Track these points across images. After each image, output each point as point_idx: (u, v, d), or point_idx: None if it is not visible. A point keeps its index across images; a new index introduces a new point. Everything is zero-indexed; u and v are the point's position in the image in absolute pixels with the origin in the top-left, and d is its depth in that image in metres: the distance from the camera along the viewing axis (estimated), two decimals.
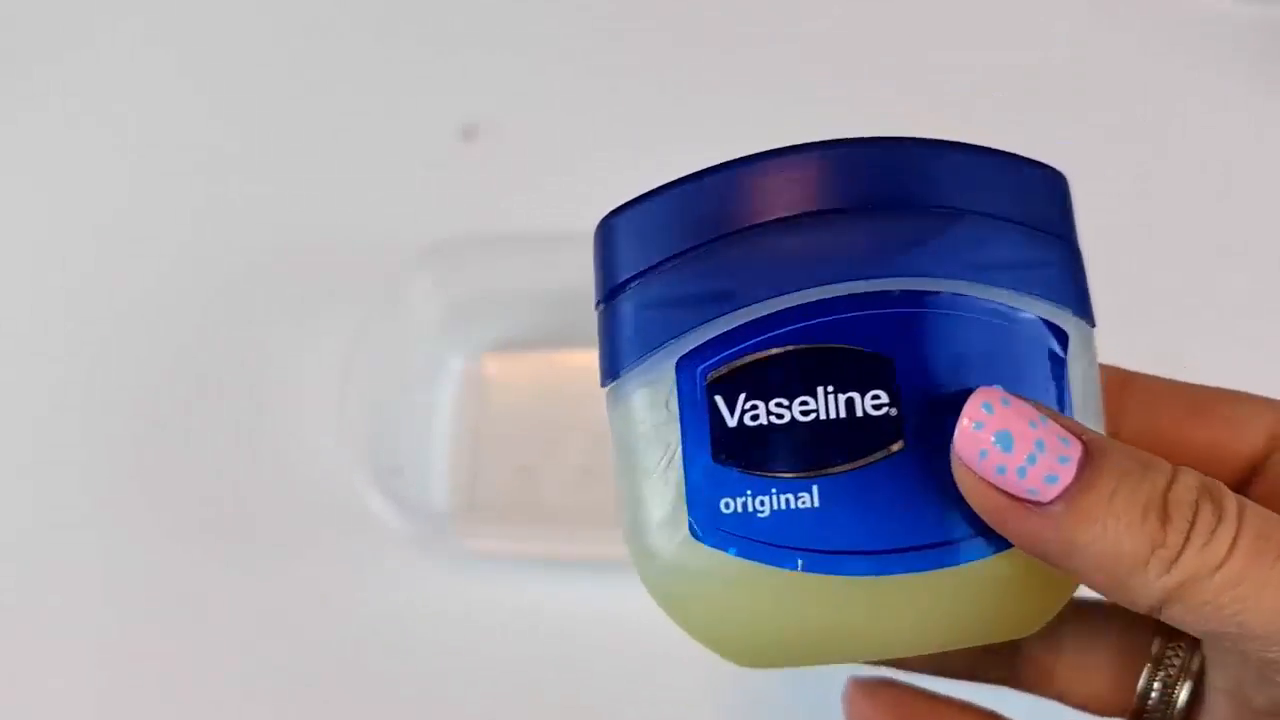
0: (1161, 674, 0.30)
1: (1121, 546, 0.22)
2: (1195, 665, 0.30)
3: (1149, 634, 0.30)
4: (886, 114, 0.54)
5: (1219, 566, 0.22)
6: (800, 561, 0.23)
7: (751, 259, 0.24)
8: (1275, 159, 0.52)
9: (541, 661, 0.44)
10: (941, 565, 0.24)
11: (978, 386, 0.23)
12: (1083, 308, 0.25)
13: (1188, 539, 0.22)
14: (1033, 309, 0.24)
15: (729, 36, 0.56)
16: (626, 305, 0.24)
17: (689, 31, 0.56)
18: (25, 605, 0.46)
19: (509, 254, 0.48)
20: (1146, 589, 0.22)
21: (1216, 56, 0.54)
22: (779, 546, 0.23)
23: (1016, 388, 0.23)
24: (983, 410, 0.22)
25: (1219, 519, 0.22)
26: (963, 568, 0.24)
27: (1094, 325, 0.25)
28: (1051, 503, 0.22)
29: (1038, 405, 0.23)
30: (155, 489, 0.48)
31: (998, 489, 0.22)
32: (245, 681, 0.44)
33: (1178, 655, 0.30)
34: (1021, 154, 0.25)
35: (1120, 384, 0.28)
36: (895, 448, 0.23)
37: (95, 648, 0.45)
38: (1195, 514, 0.22)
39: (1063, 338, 0.24)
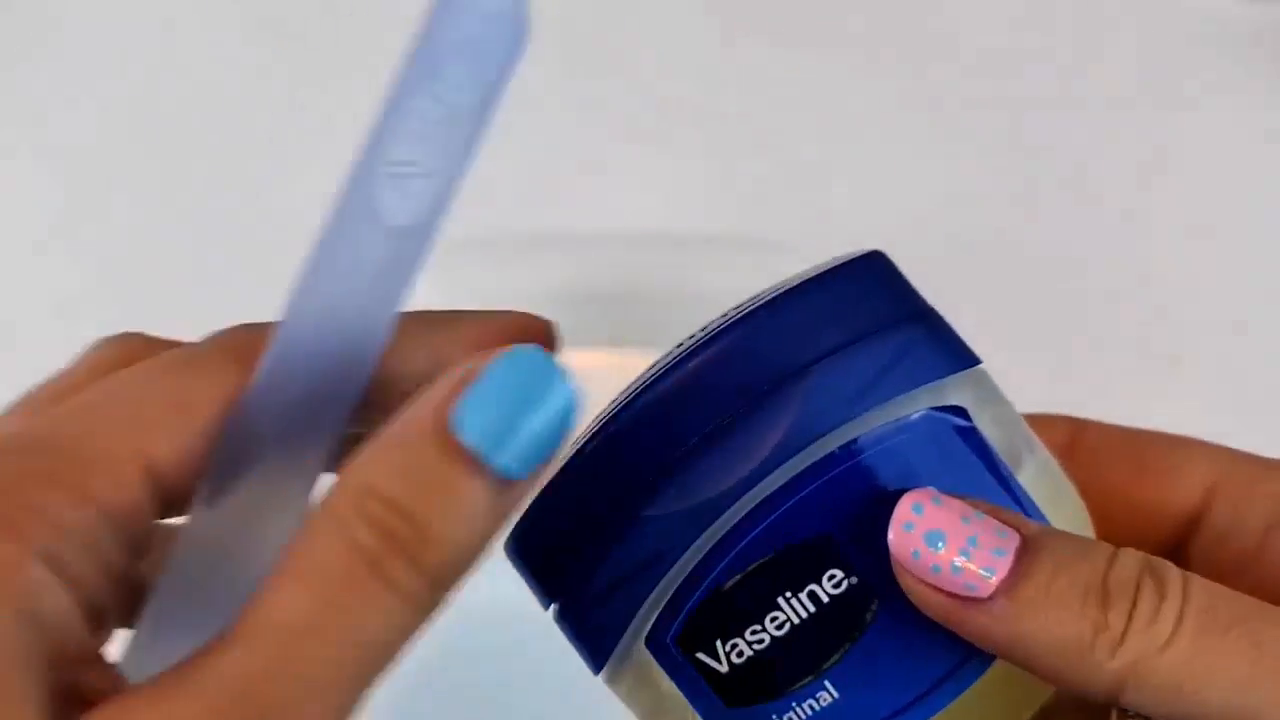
0: None
1: (1065, 633, 0.22)
2: None
3: None
4: (886, 114, 0.54)
5: (1166, 644, 0.21)
6: None
7: (655, 520, 0.24)
8: (1276, 160, 0.52)
9: (540, 659, 0.44)
10: (963, 688, 0.24)
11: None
12: (962, 359, 0.25)
13: (1130, 619, 0.21)
14: (920, 404, 0.24)
15: (730, 37, 0.56)
16: (576, 608, 0.25)
17: (689, 32, 0.56)
18: None
19: (509, 255, 0.48)
20: (1098, 674, 0.22)
21: (1217, 56, 0.54)
22: None
23: (946, 489, 0.23)
24: (912, 512, 0.22)
25: (1162, 596, 0.22)
26: (981, 680, 0.24)
27: (979, 362, 0.25)
28: (991, 597, 0.22)
29: (973, 502, 0.23)
30: None
31: (936, 588, 0.22)
32: None
33: None
34: (834, 262, 0.25)
35: (1070, 439, 0.28)
36: (872, 610, 0.23)
37: None
38: (1137, 593, 0.22)
39: (960, 411, 0.24)
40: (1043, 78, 0.54)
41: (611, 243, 0.48)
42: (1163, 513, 0.27)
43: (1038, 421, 0.26)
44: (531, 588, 0.26)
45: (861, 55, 0.55)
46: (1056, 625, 0.22)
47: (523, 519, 0.25)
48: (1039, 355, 0.48)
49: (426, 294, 0.48)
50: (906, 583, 0.23)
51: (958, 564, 0.22)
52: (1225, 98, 0.54)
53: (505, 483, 0.20)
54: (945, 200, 0.52)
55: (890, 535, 0.22)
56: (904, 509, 0.23)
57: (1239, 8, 0.55)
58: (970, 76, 0.54)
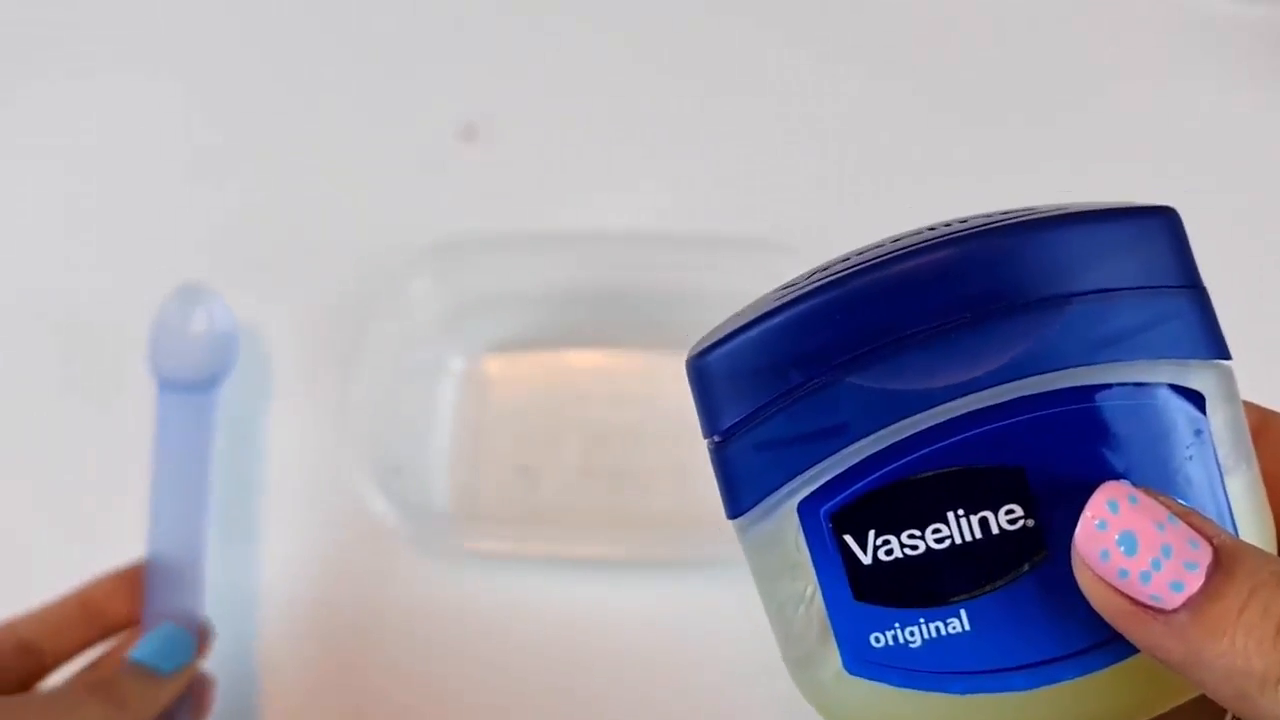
0: None
1: (1250, 664, 0.20)
2: None
3: None
4: (892, 110, 0.54)
5: None
6: (959, 685, 0.23)
7: (857, 390, 0.23)
8: (1275, 160, 0.52)
9: (540, 660, 0.44)
10: (1098, 668, 0.23)
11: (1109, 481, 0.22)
12: (1215, 348, 0.23)
13: None
14: (1161, 376, 0.23)
15: (730, 38, 0.56)
16: (738, 446, 0.24)
17: (689, 33, 0.56)
18: (22, 602, 0.46)
19: (509, 255, 0.48)
20: (1274, 711, 0.20)
21: (1217, 57, 0.54)
22: (935, 673, 0.23)
23: (1154, 471, 0.22)
24: (1107, 509, 0.21)
25: None
26: (1117, 666, 0.23)
27: (1229, 358, 0.24)
28: (1176, 611, 0.21)
29: (1169, 503, 0.22)
30: None
31: (1119, 592, 0.21)
32: (246, 679, 0.45)
33: None
34: (1124, 205, 0.24)
35: (1257, 426, 0.26)
36: (1039, 558, 0.23)
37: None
38: None
39: (1198, 400, 0.23)
40: (1043, 80, 0.54)
41: (611, 243, 0.48)
42: None
43: None
44: (700, 411, 0.24)
45: (863, 56, 0.55)
46: (1241, 655, 0.21)
47: (720, 342, 0.24)
48: None
49: (429, 293, 0.48)
50: (1086, 579, 0.22)
51: (1147, 573, 0.21)
52: (1225, 99, 0.54)
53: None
54: (945, 201, 0.52)
55: (1079, 530, 0.22)
56: (1099, 505, 0.21)
57: (1239, 8, 0.55)
58: (970, 78, 0.54)
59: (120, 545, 0.44)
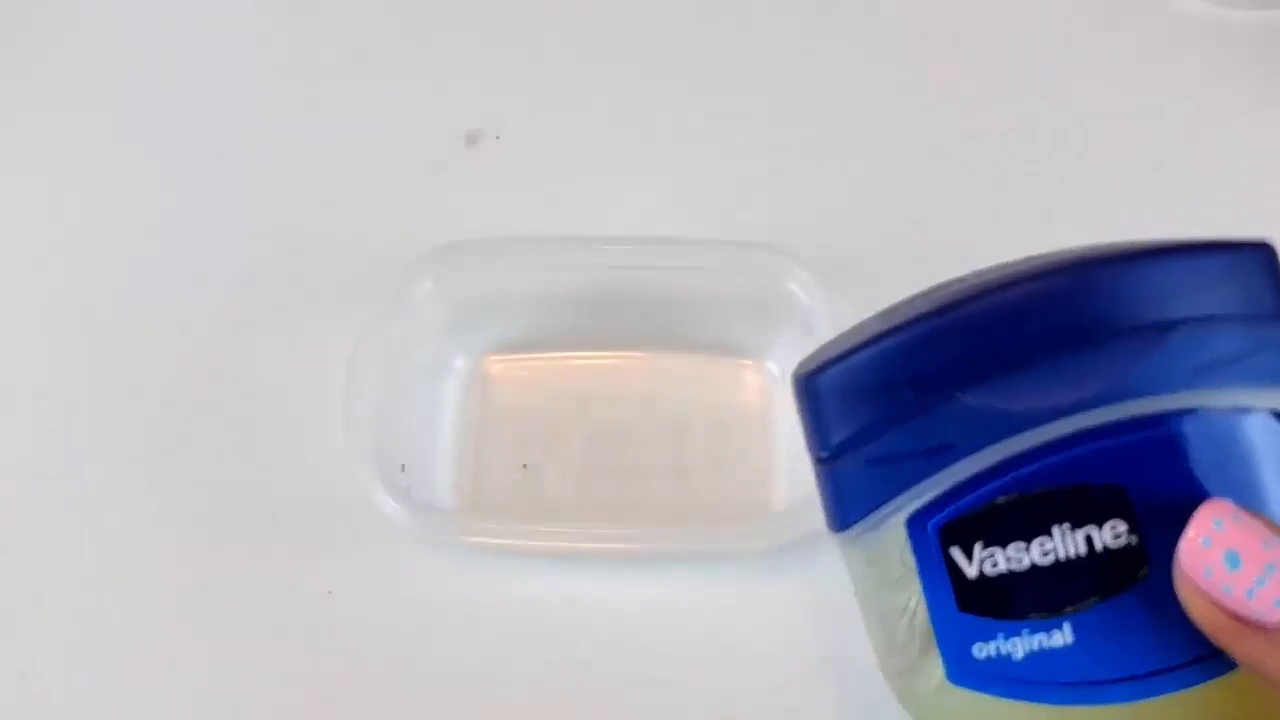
0: None
1: None
2: None
3: None
4: (892, 110, 0.54)
5: None
6: (1060, 696, 0.23)
7: (967, 409, 0.23)
8: (1275, 160, 0.53)
9: (544, 657, 0.45)
10: (1197, 682, 0.23)
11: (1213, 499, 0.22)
12: None
13: None
14: (1262, 401, 0.23)
15: (730, 41, 0.57)
16: (848, 462, 0.24)
17: (690, 35, 0.57)
18: (28, 602, 0.47)
19: (512, 256, 0.48)
20: None
21: (1216, 60, 0.55)
22: (1037, 684, 0.24)
23: (1252, 493, 0.23)
24: (1212, 526, 0.22)
25: None
26: (1217, 681, 0.24)
27: None
28: (1275, 627, 0.21)
29: (1272, 524, 0.22)
30: (162, 487, 0.48)
31: (1222, 607, 0.22)
32: (249, 677, 0.45)
33: None
34: (1223, 239, 0.24)
35: None
36: (1141, 574, 0.23)
37: (99, 644, 0.45)
38: None
39: None
40: (1041, 81, 0.55)
41: (613, 245, 0.48)
42: None
43: None
44: (809, 429, 0.25)
45: (863, 57, 0.56)
46: None
47: (833, 361, 0.24)
48: None
49: (433, 295, 0.48)
50: (1187, 594, 0.22)
51: (1251, 589, 0.21)
52: (1223, 101, 0.54)
53: None
54: (945, 202, 0.52)
55: (1182, 545, 0.22)
56: (1204, 521, 0.22)
57: (1237, 12, 0.55)
58: (969, 79, 0.55)
59: None
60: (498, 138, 0.54)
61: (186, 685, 0.45)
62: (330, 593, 0.46)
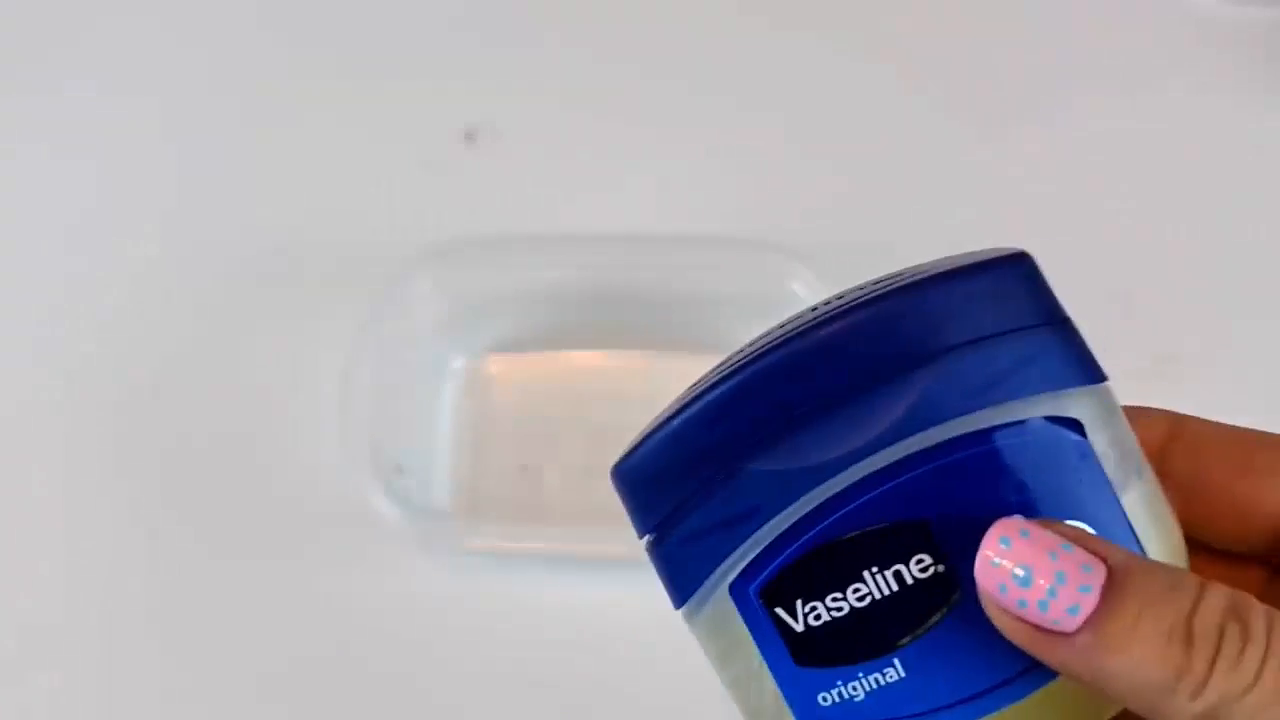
0: None
1: (1148, 674, 0.22)
2: None
3: None
4: (891, 110, 0.54)
5: (1249, 689, 0.21)
6: None
7: (762, 474, 0.24)
8: (1274, 160, 0.53)
9: (542, 658, 0.45)
10: (1031, 690, 0.24)
11: (1003, 517, 0.23)
12: (1088, 373, 0.25)
13: (1213, 663, 0.22)
14: (1038, 410, 0.24)
15: (730, 40, 0.56)
16: (668, 542, 0.25)
17: (689, 35, 0.57)
18: (28, 600, 0.47)
19: (510, 255, 0.48)
20: (1180, 715, 0.22)
21: (1215, 57, 0.55)
22: None
23: (1051, 500, 0.24)
24: (1000, 545, 0.23)
25: (1246, 639, 0.22)
26: (1043, 690, 0.24)
27: (1105, 379, 0.25)
28: (1077, 633, 0.22)
29: (1062, 530, 0.23)
30: (160, 487, 0.48)
31: (1024, 621, 0.22)
32: (248, 678, 0.45)
33: None
34: (977, 258, 0.25)
35: (1169, 431, 0.28)
36: (954, 599, 0.24)
37: (98, 643, 0.46)
38: (1221, 637, 0.22)
39: (1076, 425, 0.24)
40: (1038, 79, 0.55)
41: (612, 243, 0.48)
42: (1263, 512, 0.27)
43: (1135, 414, 0.26)
44: (631, 516, 0.26)
45: (862, 57, 0.56)
46: (1139, 666, 0.22)
47: (635, 448, 0.26)
48: None
49: (431, 294, 0.48)
50: (991, 612, 0.23)
51: (1044, 601, 0.22)
52: (1223, 99, 0.54)
53: None
54: (944, 202, 0.52)
55: (978, 567, 0.23)
56: (993, 540, 0.23)
57: (1237, 9, 0.55)
58: (967, 77, 0.55)
59: None
60: (497, 137, 0.54)
61: (186, 686, 0.45)
62: (328, 595, 0.46)
